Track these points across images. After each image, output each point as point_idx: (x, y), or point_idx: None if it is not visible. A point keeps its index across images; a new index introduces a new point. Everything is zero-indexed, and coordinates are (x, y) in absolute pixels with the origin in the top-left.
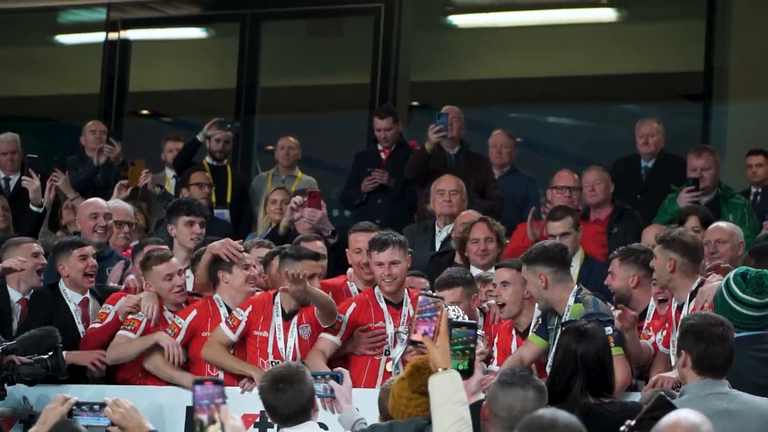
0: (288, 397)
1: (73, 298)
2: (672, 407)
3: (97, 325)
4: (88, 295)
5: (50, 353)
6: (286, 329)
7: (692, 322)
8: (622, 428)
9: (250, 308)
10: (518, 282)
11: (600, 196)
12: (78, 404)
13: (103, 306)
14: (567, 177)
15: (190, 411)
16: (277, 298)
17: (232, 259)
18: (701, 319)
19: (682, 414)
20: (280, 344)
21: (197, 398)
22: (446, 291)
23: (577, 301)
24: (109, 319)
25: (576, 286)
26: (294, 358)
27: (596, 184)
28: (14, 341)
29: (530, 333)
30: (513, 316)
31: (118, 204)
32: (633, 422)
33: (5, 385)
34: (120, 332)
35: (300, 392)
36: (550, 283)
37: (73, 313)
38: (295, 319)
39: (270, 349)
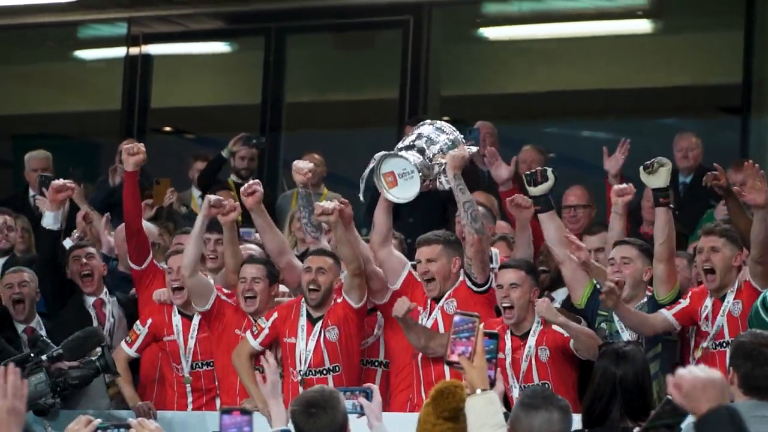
0: (320, 422)
1: (86, 300)
2: (680, 411)
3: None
4: (103, 296)
5: (99, 354)
6: (309, 332)
7: (743, 340)
8: None
9: (275, 316)
10: (527, 283)
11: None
12: (101, 426)
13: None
14: (575, 195)
15: None
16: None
17: None
18: (752, 338)
19: None
20: (301, 345)
21: (224, 427)
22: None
23: None
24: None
25: None
26: (315, 364)
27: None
28: (58, 347)
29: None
30: (521, 320)
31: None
32: (639, 430)
33: (59, 390)
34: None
35: (333, 418)
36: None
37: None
38: (320, 323)
39: (298, 355)
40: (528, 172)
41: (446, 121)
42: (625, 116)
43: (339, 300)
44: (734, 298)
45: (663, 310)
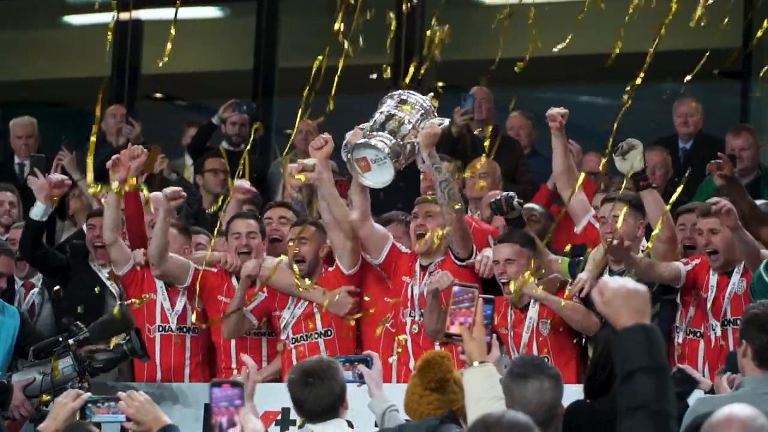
0: (317, 392)
1: (103, 271)
2: (693, 381)
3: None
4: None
5: (126, 338)
6: (297, 301)
7: (756, 312)
8: None
9: (265, 290)
10: (523, 257)
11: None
12: (92, 400)
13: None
14: (594, 162)
15: (207, 408)
16: None
17: None
18: (765, 309)
19: (736, 408)
20: (286, 315)
21: (215, 400)
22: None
23: None
24: None
25: None
26: (307, 329)
27: (657, 168)
28: (85, 330)
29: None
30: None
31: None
32: None
33: (86, 374)
34: None
35: (330, 389)
36: None
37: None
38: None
39: (288, 325)
40: (493, 201)
41: (442, 86)
42: (623, 81)
43: (331, 269)
44: (740, 277)
45: (678, 263)
